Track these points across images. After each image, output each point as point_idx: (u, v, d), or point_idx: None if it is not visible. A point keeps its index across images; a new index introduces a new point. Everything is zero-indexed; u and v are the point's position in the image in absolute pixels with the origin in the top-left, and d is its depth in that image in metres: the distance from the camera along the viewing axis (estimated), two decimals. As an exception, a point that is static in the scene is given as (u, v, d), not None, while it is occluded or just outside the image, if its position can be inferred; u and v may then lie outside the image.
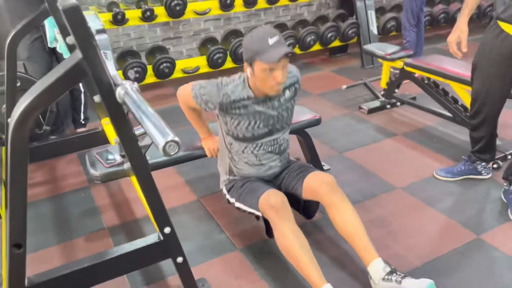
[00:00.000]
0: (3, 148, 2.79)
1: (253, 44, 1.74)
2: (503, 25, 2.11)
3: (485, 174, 2.58)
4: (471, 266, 1.98)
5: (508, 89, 2.30)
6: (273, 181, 2.07)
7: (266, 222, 1.86)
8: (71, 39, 1.32)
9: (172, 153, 1.01)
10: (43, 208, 2.55)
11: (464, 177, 2.59)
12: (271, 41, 1.71)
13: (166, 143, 1.00)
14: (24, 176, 1.39)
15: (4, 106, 2.51)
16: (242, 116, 1.88)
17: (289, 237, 1.73)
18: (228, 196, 2.06)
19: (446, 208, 2.37)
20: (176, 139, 1.01)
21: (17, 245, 1.44)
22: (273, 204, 1.77)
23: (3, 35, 3.14)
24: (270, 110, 1.91)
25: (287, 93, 1.96)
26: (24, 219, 1.44)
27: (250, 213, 1.93)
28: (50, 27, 2.58)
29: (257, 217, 1.90)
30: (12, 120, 1.33)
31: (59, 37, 2.44)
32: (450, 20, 5.20)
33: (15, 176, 1.38)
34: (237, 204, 1.99)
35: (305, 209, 2.06)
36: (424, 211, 2.36)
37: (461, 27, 2.23)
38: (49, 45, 2.61)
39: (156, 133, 1.04)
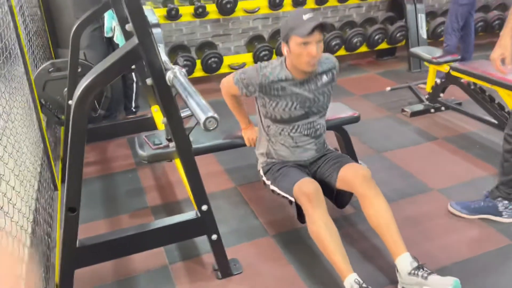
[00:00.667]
0: (62, 128, 3.05)
1: (288, 22, 1.87)
2: None
3: (506, 216, 2.25)
4: (503, 270, 1.96)
5: None
6: (309, 167, 2.13)
7: (298, 207, 1.93)
8: (129, 26, 1.47)
9: (211, 128, 1.12)
10: (94, 185, 2.76)
11: (481, 216, 2.29)
12: (305, 17, 1.82)
13: (207, 118, 1.12)
14: (82, 148, 1.57)
15: (66, 89, 2.75)
16: (280, 97, 1.98)
17: (320, 225, 1.80)
18: (264, 178, 2.15)
19: (482, 212, 2.35)
20: (216, 115, 1.13)
21: (72, 209, 1.61)
22: (306, 191, 1.84)
23: (68, 26, 3.42)
24: (306, 92, 2.00)
25: (324, 78, 2.04)
26: (79, 188, 1.61)
27: (283, 197, 2.00)
28: (109, 18, 2.79)
29: (290, 202, 1.97)
30: (74, 97, 1.50)
31: (117, 28, 2.64)
32: (506, 27, 5.04)
33: (74, 148, 1.56)
34: (272, 187, 2.07)
35: (337, 198, 2.10)
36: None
37: (503, 44, 2.06)
38: (105, 34, 2.81)
39: (199, 110, 1.16)
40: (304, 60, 1.86)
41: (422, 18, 4.68)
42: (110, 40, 3.18)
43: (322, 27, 1.82)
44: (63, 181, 2.70)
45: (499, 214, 2.26)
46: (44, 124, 2.52)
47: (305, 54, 1.84)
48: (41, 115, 2.49)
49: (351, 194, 2.05)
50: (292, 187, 1.91)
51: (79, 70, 2.65)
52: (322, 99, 2.05)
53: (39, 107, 2.44)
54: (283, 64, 1.99)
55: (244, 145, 2.37)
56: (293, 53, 1.88)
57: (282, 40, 1.93)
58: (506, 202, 2.25)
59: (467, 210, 2.32)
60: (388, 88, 3.98)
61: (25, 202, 1.81)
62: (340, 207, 2.14)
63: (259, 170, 2.22)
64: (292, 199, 1.93)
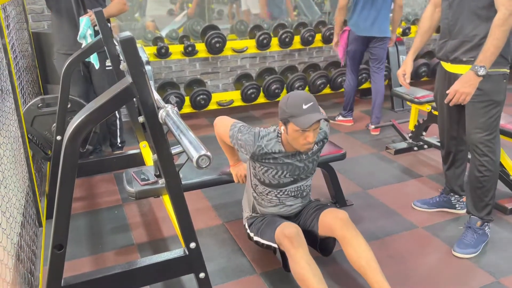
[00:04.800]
0: (48, 163, 3.03)
1: (288, 108, 1.87)
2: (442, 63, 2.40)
3: (459, 208, 2.69)
4: (488, 308, 1.98)
5: (450, 114, 2.45)
6: (293, 218, 2.19)
7: (283, 256, 1.95)
8: (124, 66, 1.51)
9: (204, 166, 1.15)
10: (79, 221, 2.72)
11: (439, 209, 2.73)
12: (305, 106, 1.83)
13: (199, 156, 1.15)
14: (72, 184, 1.57)
15: (54, 125, 2.75)
16: (271, 165, 2.03)
17: (303, 265, 1.82)
18: (248, 231, 2.20)
19: (467, 250, 2.38)
20: (208, 154, 1.16)
21: (59, 247, 1.59)
22: (287, 234, 1.88)
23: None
24: (297, 162, 2.06)
25: (315, 147, 2.10)
26: (67, 225, 1.60)
27: (267, 246, 2.05)
28: (85, 25, 2.79)
29: (274, 251, 2.01)
30: (66, 133, 1.52)
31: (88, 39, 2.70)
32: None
33: (64, 185, 1.56)
34: (256, 238, 2.12)
35: (322, 246, 2.13)
36: (444, 251, 2.38)
37: (407, 62, 2.52)
38: (77, 38, 2.82)
39: (192, 148, 1.19)
40: (301, 143, 1.90)
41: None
42: (89, 74, 3.22)
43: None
44: (48, 217, 2.66)
45: (453, 207, 2.71)
46: (31, 159, 2.51)
47: (302, 138, 1.88)
48: (29, 151, 2.48)
49: (334, 240, 2.08)
50: (274, 233, 1.95)
51: (69, 106, 2.67)
52: (311, 166, 2.12)
53: (27, 143, 2.44)
54: (279, 138, 2.02)
55: (233, 181, 2.39)
56: (290, 136, 1.92)
57: (279, 119, 1.94)
58: (457, 196, 2.69)
59: (427, 205, 2.77)
60: (372, 126, 4.09)
61: (10, 239, 1.78)
62: (325, 255, 2.16)
63: (244, 225, 2.27)
64: (276, 246, 1.96)
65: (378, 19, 3.86)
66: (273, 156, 2.01)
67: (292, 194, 2.13)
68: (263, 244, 2.08)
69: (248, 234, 2.20)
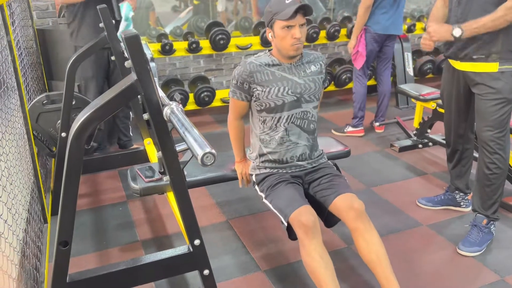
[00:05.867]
0: (53, 160, 3.05)
1: (271, 7, 1.95)
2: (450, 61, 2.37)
3: (464, 206, 2.70)
4: (493, 306, 1.98)
5: (459, 112, 2.45)
6: (304, 178, 2.11)
7: (289, 225, 1.90)
8: (128, 63, 1.50)
9: (208, 163, 1.15)
10: (84, 218, 2.74)
11: (444, 207, 2.75)
12: (287, 1, 1.91)
13: (204, 154, 1.15)
14: (77, 182, 1.57)
15: (59, 122, 2.77)
16: (271, 82, 2.01)
17: (315, 258, 1.79)
18: (257, 187, 2.13)
19: (472, 248, 2.37)
20: (213, 151, 1.16)
21: (64, 243, 1.60)
22: (304, 222, 1.82)
23: (63, 59, 3.48)
24: (296, 77, 2.04)
25: (313, 67, 2.10)
26: (72, 221, 1.60)
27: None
28: (127, 9, 2.78)
29: (281, 221, 1.94)
30: (71, 131, 1.52)
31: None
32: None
33: (69, 182, 1.56)
34: (265, 201, 2.05)
35: (327, 217, 2.09)
36: (449, 249, 2.37)
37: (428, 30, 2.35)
38: (121, 20, 2.84)
39: (196, 146, 1.19)
40: (288, 43, 1.93)
41: (408, 56, 4.84)
42: (108, 72, 3.22)
43: (304, 10, 1.90)
44: (53, 214, 2.68)
45: (458, 204, 2.72)
46: (36, 156, 2.52)
47: (289, 37, 1.92)
48: (34, 148, 2.49)
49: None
50: (289, 213, 1.87)
51: (73, 103, 2.68)
52: (314, 87, 2.08)
53: (32, 140, 2.45)
54: (267, 52, 2.07)
55: (236, 178, 2.38)
56: (277, 37, 1.95)
57: (266, 26, 2.00)
58: (462, 194, 2.69)
59: (432, 203, 2.78)
60: (377, 124, 4.08)
61: (16, 236, 1.79)
62: (328, 226, 2.13)
63: (251, 175, 2.21)
64: (285, 223, 1.90)
65: (397, 17, 3.76)
66: (270, 70, 2.02)
67: (298, 123, 2.07)
68: (272, 210, 2.00)
69: (256, 190, 2.13)
